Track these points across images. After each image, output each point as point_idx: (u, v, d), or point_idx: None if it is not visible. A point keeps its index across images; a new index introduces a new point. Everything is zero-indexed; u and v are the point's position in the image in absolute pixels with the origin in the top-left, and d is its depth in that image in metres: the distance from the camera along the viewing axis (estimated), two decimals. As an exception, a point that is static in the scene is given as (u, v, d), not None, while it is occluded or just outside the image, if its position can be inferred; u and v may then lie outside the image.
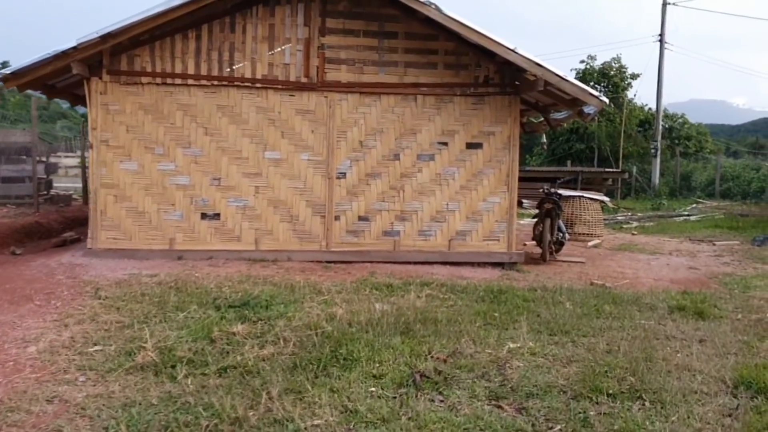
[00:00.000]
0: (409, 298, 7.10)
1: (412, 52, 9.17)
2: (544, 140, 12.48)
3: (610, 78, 33.01)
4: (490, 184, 9.38)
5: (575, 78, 32.26)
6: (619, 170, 25.82)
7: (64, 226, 12.32)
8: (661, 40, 28.62)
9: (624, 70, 33.27)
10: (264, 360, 4.91)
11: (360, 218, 9.15)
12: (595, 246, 13.18)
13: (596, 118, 31.06)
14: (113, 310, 6.18)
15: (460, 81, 9.26)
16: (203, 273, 7.97)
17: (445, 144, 9.27)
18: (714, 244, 13.95)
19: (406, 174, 9.22)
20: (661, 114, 29.68)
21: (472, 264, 9.35)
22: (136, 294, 6.76)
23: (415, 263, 9.18)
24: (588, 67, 33.54)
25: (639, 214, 20.57)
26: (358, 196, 9.15)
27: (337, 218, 9.11)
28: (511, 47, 8.53)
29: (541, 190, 11.52)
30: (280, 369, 4.69)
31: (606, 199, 16.04)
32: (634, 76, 33.19)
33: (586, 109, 9.64)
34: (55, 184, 17.13)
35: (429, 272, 8.79)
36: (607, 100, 8.84)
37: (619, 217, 19.84)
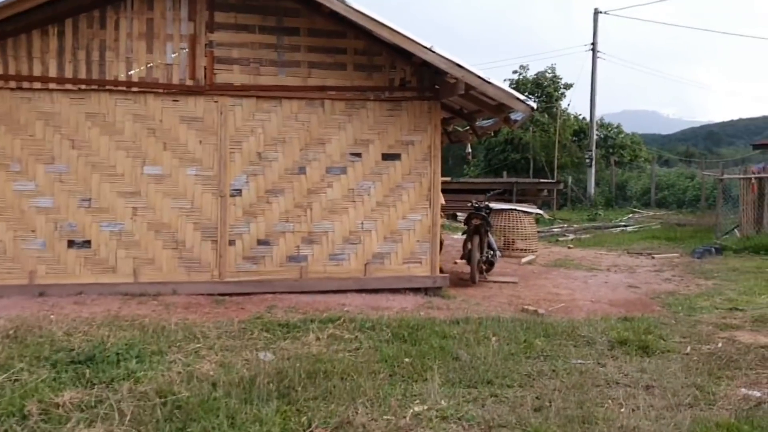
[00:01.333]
0: (306, 340, 5.92)
1: (317, 50, 8.03)
2: (469, 150, 11.49)
3: (544, 88, 32.75)
4: (410, 199, 8.29)
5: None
6: (555, 181, 25.32)
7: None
8: (593, 49, 28.42)
9: (558, 80, 33.08)
10: (79, 450, 3.63)
11: (259, 242, 7.91)
12: (529, 262, 12.28)
13: (530, 127, 30.82)
14: None
15: (373, 84, 8.16)
16: (62, 314, 6.58)
17: (359, 155, 8.15)
18: (653, 257, 13.28)
19: (314, 190, 8.04)
20: (596, 123, 29.44)
21: (391, 290, 8.23)
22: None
23: (326, 292, 7.99)
24: (521, 77, 33.21)
25: (575, 226, 19.96)
26: (257, 217, 7.91)
27: (231, 243, 7.85)
28: (427, 45, 7.49)
29: (469, 204, 10.52)
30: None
31: (540, 211, 15.24)
32: (568, 86, 33.04)
33: (513, 116, 8.69)
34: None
35: (340, 303, 7.61)
36: (534, 105, 7.91)
37: (555, 230, 19.15)
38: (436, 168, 8.35)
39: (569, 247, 15.05)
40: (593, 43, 28.48)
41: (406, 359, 5.34)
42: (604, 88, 27.94)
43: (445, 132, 11.22)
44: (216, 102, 7.82)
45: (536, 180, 25.72)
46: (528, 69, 33.41)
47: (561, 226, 20.22)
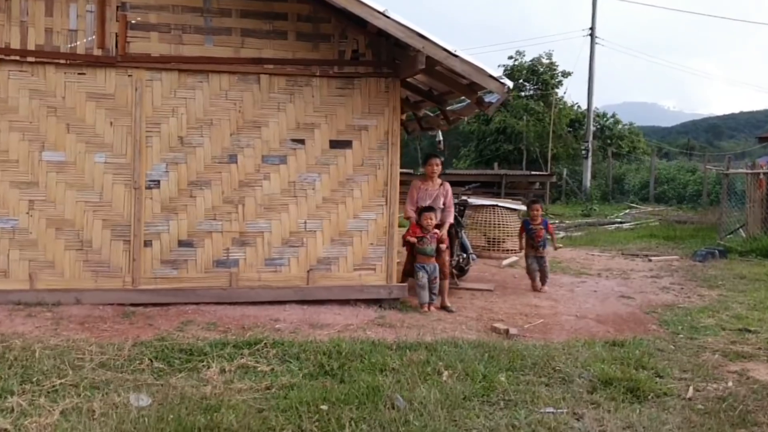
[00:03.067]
0: (206, 375, 4.67)
1: (252, 16, 6.73)
2: (440, 138, 10.20)
3: (540, 75, 31.40)
4: (363, 195, 7.04)
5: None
6: (548, 173, 24.04)
7: None
8: (591, 35, 27.07)
9: (554, 67, 31.71)
10: None
11: (181, 243, 6.66)
12: (510, 265, 11.03)
13: (524, 116, 29.53)
14: None
15: (319, 57, 6.88)
16: None
17: (302, 142, 6.88)
18: (650, 260, 12.03)
19: (247, 182, 6.78)
20: (593, 113, 28.11)
21: (339, 302, 6.99)
22: None
23: (260, 303, 6.75)
24: (516, 63, 31.86)
25: (567, 222, 18.70)
26: (179, 213, 6.65)
27: (147, 244, 6.59)
28: (380, 9, 6.20)
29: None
30: None
31: (524, 208, 13.95)
32: (566, 74, 31.68)
33: (487, 98, 7.42)
34: None
35: (273, 318, 6.37)
36: (510, 84, 6.62)
37: (547, 226, 17.87)
38: (394, 158, 7.09)
39: (558, 247, 13.77)
40: (592, 28, 27.13)
41: (323, 407, 4.09)
42: (603, 80, 26.72)
43: (415, 118, 9.95)
44: (130, 76, 6.54)
45: (527, 172, 24.45)
46: (524, 55, 32.11)
47: (552, 222, 18.92)
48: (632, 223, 18.53)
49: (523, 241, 8.87)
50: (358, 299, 7.03)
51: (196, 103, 6.66)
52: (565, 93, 31.53)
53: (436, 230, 7.23)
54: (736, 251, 12.62)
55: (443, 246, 7.32)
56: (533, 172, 24.76)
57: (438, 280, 7.11)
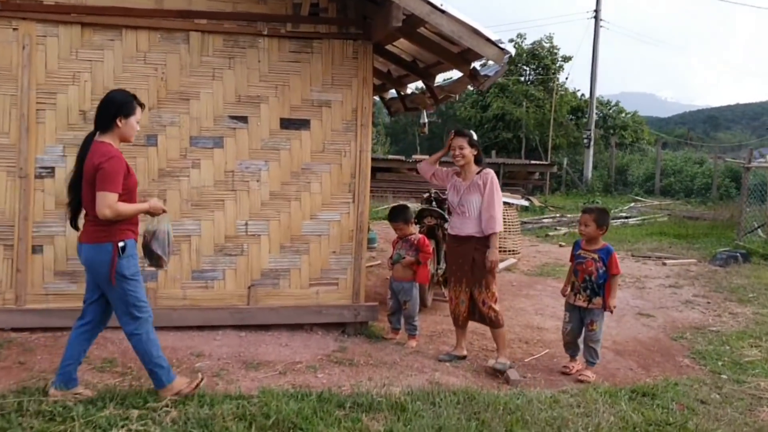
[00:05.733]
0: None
1: (179, -46, 5.17)
2: (425, 119, 8.63)
3: (541, 60, 29.77)
4: (324, 189, 5.51)
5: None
6: (548, 162, 22.53)
7: None
8: (596, 17, 25.43)
9: (555, 51, 30.08)
10: None
11: (82, 250, 5.12)
12: (508, 269, 9.55)
13: (524, 102, 27.84)
14: None
15: (268, 11, 5.33)
16: None
17: (243, 120, 5.34)
18: (665, 264, 10.56)
19: (171, 171, 5.25)
20: (596, 99, 26.53)
21: (289, 327, 5.49)
22: None
23: (186, 329, 5.25)
24: (517, 46, 30.17)
25: (569, 216, 17.18)
26: (79, 211, 5.11)
27: (37, 250, 5.07)
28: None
29: (425, 195, 7.73)
30: None
31: (524, 202, 12.47)
32: (566, 59, 30.06)
33: (483, 70, 5.89)
34: None
35: (196, 352, 4.88)
36: (512, 50, 5.07)
37: (546, 220, 16.40)
38: (364, 143, 5.55)
39: (561, 245, 12.32)
40: (596, 11, 25.48)
41: None
42: (601, 69, 25.10)
43: (399, 96, 8.40)
44: (15, 29, 4.98)
45: (527, 161, 22.93)
46: (525, 38, 30.41)
47: (552, 216, 17.46)
48: (639, 218, 17.06)
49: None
50: (315, 323, 5.53)
51: (104, 67, 5.10)
52: (567, 78, 29.94)
53: (414, 234, 5.68)
54: (758, 253, 11.20)
55: (409, 259, 5.55)
56: (533, 162, 23.26)
57: (410, 305, 5.55)
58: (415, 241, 5.55)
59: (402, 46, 6.69)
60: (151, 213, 3.90)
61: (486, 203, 4.93)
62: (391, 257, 5.65)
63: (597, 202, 20.27)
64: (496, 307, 5.02)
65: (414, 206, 7.66)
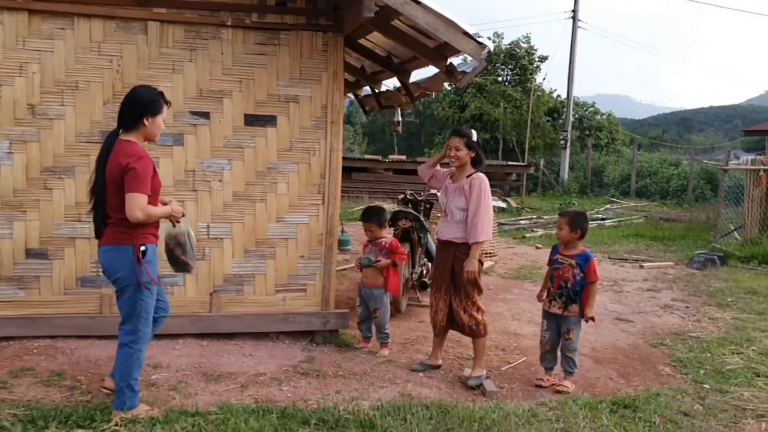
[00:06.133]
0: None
1: (136, -62, 4.85)
2: (399, 118, 8.36)
3: (518, 60, 29.69)
4: (291, 190, 5.22)
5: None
6: (525, 164, 22.42)
7: None
8: (574, 17, 25.39)
9: (533, 51, 30.03)
10: None
11: (31, 254, 4.79)
12: (485, 272, 9.31)
13: (501, 102, 27.70)
14: None
15: (231, 1, 5.03)
16: None
17: (205, 116, 5.03)
18: (642, 267, 10.43)
19: (129, 170, 4.91)
20: (572, 100, 26.49)
21: (254, 336, 5.20)
22: None
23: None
24: (495, 46, 30.04)
25: (545, 217, 17.06)
26: (27, 212, 4.78)
27: (-21, 254, 4.71)
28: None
29: (400, 196, 7.48)
30: None
31: (501, 203, 12.29)
32: (543, 59, 30.01)
33: (461, 66, 5.64)
34: None
35: (154, 362, 4.58)
36: (490, 45, 4.83)
37: (523, 221, 16.24)
38: (335, 141, 5.27)
39: (537, 247, 12.14)
40: (574, 11, 25.45)
41: None
42: (578, 70, 25.04)
43: (373, 93, 8.13)
44: (-45, 15, 4.62)
45: (503, 162, 22.81)
46: (503, 38, 30.31)
47: (529, 217, 17.32)
48: (615, 220, 16.98)
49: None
50: (281, 332, 5.25)
51: (54, 58, 4.76)
52: (544, 79, 29.90)
53: (386, 238, 5.41)
54: (735, 256, 11.11)
55: (384, 261, 5.21)
56: (510, 163, 23.14)
57: (381, 313, 5.27)
58: (386, 245, 5.26)
59: (376, 40, 6.42)
60: (172, 217, 3.74)
61: (471, 210, 4.59)
62: (359, 260, 5.36)
63: (573, 204, 20.21)
64: (479, 316, 4.74)
65: (390, 207, 7.42)
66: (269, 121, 5.12)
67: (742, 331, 6.64)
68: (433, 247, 7.18)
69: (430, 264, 7.20)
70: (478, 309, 4.76)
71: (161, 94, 3.70)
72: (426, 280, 6.76)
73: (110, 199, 3.49)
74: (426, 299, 7.08)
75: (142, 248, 3.51)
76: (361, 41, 6.44)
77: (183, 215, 3.81)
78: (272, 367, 4.67)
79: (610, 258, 11.27)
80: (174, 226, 3.81)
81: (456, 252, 4.69)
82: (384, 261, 5.18)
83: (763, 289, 8.69)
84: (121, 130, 3.59)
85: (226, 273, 5.12)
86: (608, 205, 20.62)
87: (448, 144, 4.76)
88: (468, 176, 4.70)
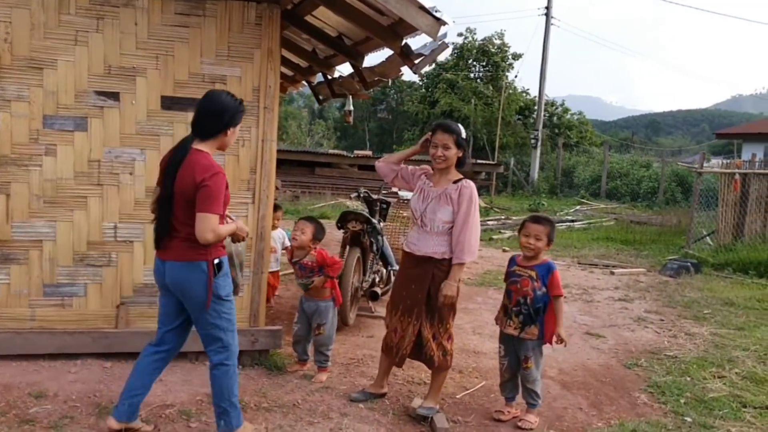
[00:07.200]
0: None
1: None
2: (350, 107, 7.63)
3: (491, 56, 29.17)
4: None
5: (451, 57, 28.08)
6: (495, 162, 21.90)
7: None
8: (547, 14, 24.92)
9: (506, 48, 29.53)
10: None
11: None
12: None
13: (472, 99, 27.06)
14: None
15: (148, -39, 4.26)
16: None
17: (115, 96, 4.26)
18: (612, 273, 9.90)
19: (16, 159, 4.15)
20: (544, 98, 26.04)
21: (172, 353, 4.43)
22: None
23: (35, 357, 4.15)
24: (467, 41, 29.52)
25: (514, 218, 16.52)
26: None
27: None
28: None
29: (352, 195, 6.76)
30: None
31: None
32: (516, 56, 29.54)
33: (419, 48, 4.94)
34: None
35: (40, 389, 3.84)
36: (450, 21, 4.14)
37: (491, 222, 15.66)
38: (268, 130, 4.54)
39: (505, 250, 11.55)
40: (547, 8, 24.98)
41: None
42: (550, 71, 24.57)
43: (326, 80, 7.40)
44: None
45: (474, 160, 22.22)
46: (475, 33, 29.74)
47: (498, 218, 16.76)
48: (585, 222, 16.52)
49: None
50: (202, 351, 4.48)
51: (-75, 21, 3.95)
52: (516, 77, 29.44)
53: (316, 247, 4.58)
54: (708, 263, 10.66)
55: (318, 279, 4.45)
56: (479, 161, 22.58)
57: (326, 330, 4.54)
58: (312, 264, 4.47)
59: (327, 19, 5.70)
60: (235, 235, 3.41)
61: (460, 224, 3.85)
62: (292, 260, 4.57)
63: (542, 205, 19.73)
64: (448, 345, 4.03)
65: (353, 205, 6.78)
66: (191, 104, 4.33)
67: (722, 349, 6.08)
68: (389, 251, 6.50)
69: (384, 270, 6.51)
70: (449, 337, 4.05)
71: (242, 101, 3.38)
72: (377, 289, 6.05)
73: (178, 213, 3.19)
74: (380, 310, 6.40)
75: (216, 261, 3.25)
76: (311, 20, 5.72)
77: (248, 234, 3.49)
78: (184, 395, 3.93)
79: (579, 263, 10.74)
80: (233, 242, 3.48)
81: (435, 270, 3.91)
82: (317, 280, 4.44)
83: (740, 301, 8.19)
84: (195, 139, 3.24)
85: (137, 282, 4.36)
86: (578, 207, 20.19)
87: (434, 141, 3.94)
88: (456, 182, 3.93)
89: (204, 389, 4.05)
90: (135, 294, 4.36)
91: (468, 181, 3.96)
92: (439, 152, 3.90)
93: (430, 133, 4.04)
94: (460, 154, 3.96)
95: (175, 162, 3.21)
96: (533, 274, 3.98)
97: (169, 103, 4.33)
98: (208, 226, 3.10)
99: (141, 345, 4.23)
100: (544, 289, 3.95)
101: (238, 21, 4.41)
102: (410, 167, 4.22)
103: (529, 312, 3.96)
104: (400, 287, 4.09)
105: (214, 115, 3.24)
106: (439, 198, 3.91)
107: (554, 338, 3.98)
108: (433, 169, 4.08)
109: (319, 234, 4.43)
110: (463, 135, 3.99)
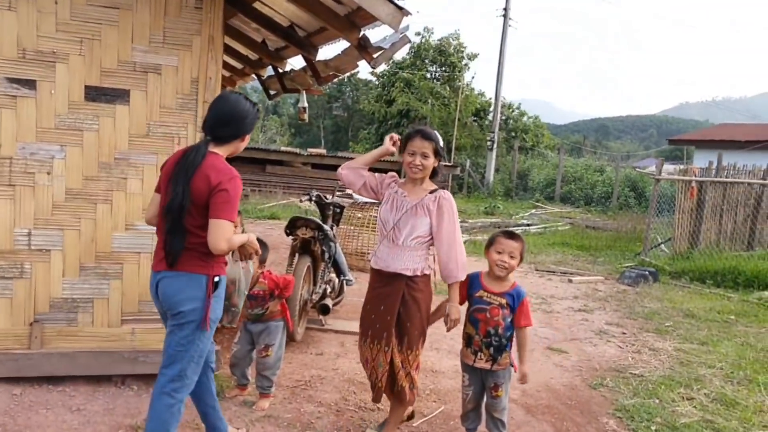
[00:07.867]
0: None
1: None
2: (304, 104, 7.16)
3: (447, 57, 28.98)
4: (147, 188, 3.96)
5: (408, 56, 27.81)
6: (451, 164, 21.67)
7: None
8: (505, 15, 24.83)
9: (462, 48, 29.39)
10: None
11: None
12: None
13: (429, 99, 26.85)
14: None
15: (71, -69, 3.72)
16: None
17: (30, 85, 3.72)
18: (571, 281, 9.68)
19: None
20: (501, 101, 25.97)
21: (91, 380, 3.92)
22: None
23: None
24: (424, 41, 29.27)
25: (470, 221, 16.28)
26: None
27: None
28: None
29: (302, 199, 6.31)
30: None
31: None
32: (472, 57, 29.42)
33: (378, 41, 4.53)
34: None
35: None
36: (411, 12, 3.74)
37: (447, 225, 15.35)
38: (209, 128, 4.04)
39: (461, 256, 11.22)
40: (505, 9, 24.88)
41: None
42: (505, 73, 24.46)
43: (276, 74, 6.92)
44: None
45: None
46: (432, 32, 29.49)
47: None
48: (540, 226, 16.41)
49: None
50: (129, 375, 3.99)
51: None
52: (473, 78, 29.35)
53: (262, 272, 4.09)
54: (665, 271, 10.56)
55: (273, 304, 4.02)
56: (435, 162, 22.34)
57: (273, 352, 4.06)
58: (262, 293, 4.00)
59: (278, 7, 5.23)
60: (243, 250, 3.13)
61: (446, 238, 3.47)
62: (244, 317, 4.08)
63: (498, 208, 19.58)
64: (416, 376, 3.64)
65: (305, 206, 6.35)
66: (119, 96, 3.85)
67: (687, 366, 5.84)
68: (342, 258, 6.08)
69: (337, 279, 6.09)
70: (417, 366, 3.65)
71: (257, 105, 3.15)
72: (328, 301, 5.61)
73: (188, 221, 2.88)
74: (331, 323, 5.97)
75: (216, 279, 2.94)
76: (260, 7, 5.24)
77: (256, 252, 3.20)
78: (104, 428, 3.42)
79: (537, 270, 10.50)
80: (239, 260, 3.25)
81: (406, 289, 3.50)
82: (272, 305, 3.98)
83: (701, 312, 8.04)
84: (211, 143, 2.99)
85: (54, 297, 3.82)
86: (533, 210, 20.11)
87: (411, 148, 3.51)
88: (432, 192, 3.55)
89: (128, 419, 3.56)
90: (52, 310, 3.82)
91: (446, 191, 3.57)
92: (417, 161, 3.48)
93: (396, 136, 3.61)
94: (436, 164, 3.56)
95: (190, 166, 2.88)
96: (503, 301, 3.52)
97: (95, 94, 3.81)
98: (224, 234, 2.81)
99: (58, 368, 3.74)
100: (512, 317, 3.54)
101: (175, 3, 3.91)
102: (377, 175, 3.77)
103: (500, 342, 3.53)
104: (369, 311, 3.64)
105: (234, 120, 3.01)
106: (415, 209, 3.50)
107: (517, 376, 3.58)
108: (402, 177, 3.66)
109: (263, 255, 3.96)
110: (441, 143, 3.59)
